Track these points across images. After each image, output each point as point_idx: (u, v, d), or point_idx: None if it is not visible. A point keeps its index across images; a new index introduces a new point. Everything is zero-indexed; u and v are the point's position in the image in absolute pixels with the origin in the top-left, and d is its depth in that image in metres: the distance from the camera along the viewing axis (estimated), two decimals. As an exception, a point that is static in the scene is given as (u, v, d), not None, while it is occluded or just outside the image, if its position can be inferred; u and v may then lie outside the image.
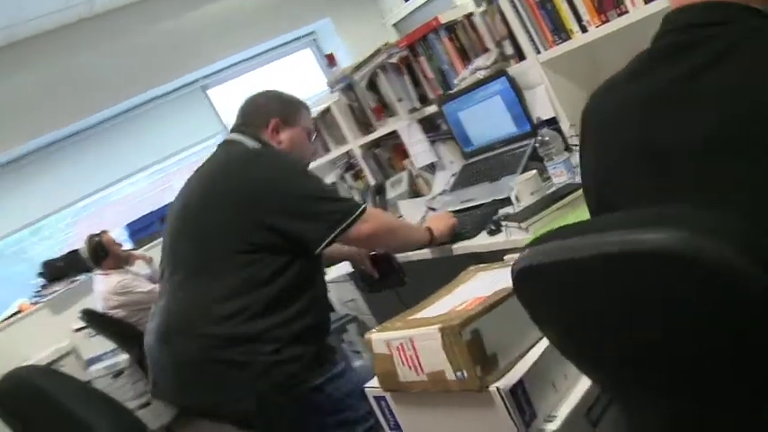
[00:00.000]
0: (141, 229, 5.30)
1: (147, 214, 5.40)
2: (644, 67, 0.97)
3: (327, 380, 1.91)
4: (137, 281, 4.44)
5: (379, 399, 1.63)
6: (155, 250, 4.72)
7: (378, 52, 2.96)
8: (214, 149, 2.12)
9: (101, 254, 4.42)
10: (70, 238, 5.54)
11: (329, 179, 3.97)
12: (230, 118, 5.82)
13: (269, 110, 2.12)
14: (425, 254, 2.31)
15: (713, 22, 0.90)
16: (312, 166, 3.88)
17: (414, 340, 1.45)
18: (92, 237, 4.46)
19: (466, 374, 1.36)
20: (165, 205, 3.84)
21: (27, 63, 4.97)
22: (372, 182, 3.46)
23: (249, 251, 1.87)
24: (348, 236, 1.93)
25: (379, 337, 1.55)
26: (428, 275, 2.02)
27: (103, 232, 4.51)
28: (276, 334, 1.86)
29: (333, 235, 1.89)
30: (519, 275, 0.96)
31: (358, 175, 3.73)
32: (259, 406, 1.89)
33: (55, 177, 5.42)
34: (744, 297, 0.70)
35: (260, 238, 1.87)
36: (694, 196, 0.88)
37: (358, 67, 3.14)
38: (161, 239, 2.10)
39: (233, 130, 2.13)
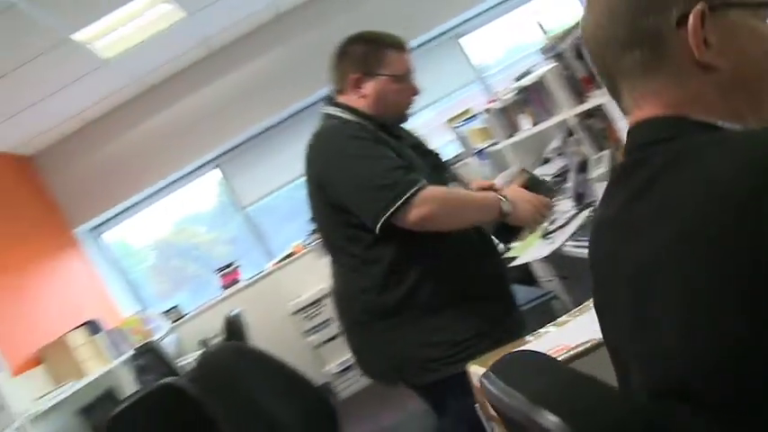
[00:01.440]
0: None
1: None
2: (605, 192, 0.97)
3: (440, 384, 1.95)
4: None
5: (488, 418, 1.73)
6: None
7: (578, 24, 2.84)
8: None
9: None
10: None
11: (554, 144, 3.90)
12: (483, 66, 5.96)
13: (346, 65, 2.05)
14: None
15: (659, 140, 0.87)
16: (537, 129, 3.87)
17: (490, 383, 1.50)
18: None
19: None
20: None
21: (294, 32, 5.55)
22: (588, 153, 3.33)
23: (346, 235, 1.97)
24: (399, 222, 1.84)
25: (474, 370, 1.64)
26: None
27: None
28: (405, 307, 1.94)
29: (382, 220, 1.83)
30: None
31: (581, 141, 3.61)
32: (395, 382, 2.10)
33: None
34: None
35: (344, 219, 1.93)
36: (625, 323, 0.90)
37: (563, 36, 3.03)
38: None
39: (326, 97, 2.14)
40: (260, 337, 5.11)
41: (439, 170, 2.14)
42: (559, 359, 1.45)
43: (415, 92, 2.11)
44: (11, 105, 4.62)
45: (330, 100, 2.10)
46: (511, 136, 4.21)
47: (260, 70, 5.62)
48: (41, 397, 3.94)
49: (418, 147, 2.15)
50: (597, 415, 0.76)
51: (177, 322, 5.70)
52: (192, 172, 5.99)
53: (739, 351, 0.73)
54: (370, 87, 2.02)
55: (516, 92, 3.95)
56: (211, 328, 5.33)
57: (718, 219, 0.73)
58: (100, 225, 6.06)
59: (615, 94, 0.98)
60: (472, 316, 1.96)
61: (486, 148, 4.82)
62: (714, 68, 0.87)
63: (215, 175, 6.09)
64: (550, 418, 0.76)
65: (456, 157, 5.18)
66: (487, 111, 4.50)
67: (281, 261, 5.84)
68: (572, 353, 1.45)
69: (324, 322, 5.42)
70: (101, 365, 4.57)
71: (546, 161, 4.17)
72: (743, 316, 0.72)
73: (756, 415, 0.73)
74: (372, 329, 2.03)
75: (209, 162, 5.96)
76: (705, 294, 0.74)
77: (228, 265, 5.94)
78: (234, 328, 4.76)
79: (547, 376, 0.91)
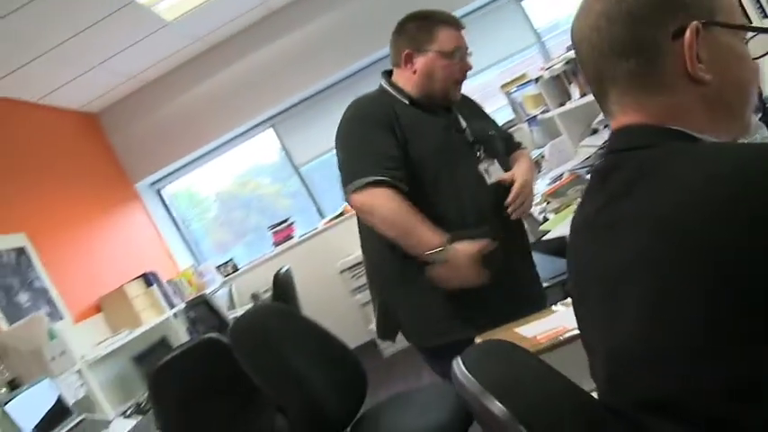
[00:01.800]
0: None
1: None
2: (585, 193, 1.06)
3: (433, 352, 2.13)
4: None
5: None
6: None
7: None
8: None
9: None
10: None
11: (602, 115, 3.89)
12: (544, 29, 5.90)
13: (400, 42, 2.17)
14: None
15: (639, 146, 0.94)
16: (585, 100, 3.88)
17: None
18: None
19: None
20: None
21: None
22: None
23: None
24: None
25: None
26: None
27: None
28: (387, 276, 2.16)
29: (345, 192, 2.04)
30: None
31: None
32: None
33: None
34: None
35: None
36: (598, 318, 0.99)
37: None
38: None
39: (385, 71, 2.29)
40: (309, 294, 5.33)
41: (470, 150, 2.17)
42: (558, 340, 1.55)
43: (465, 68, 2.17)
44: (78, 66, 4.86)
45: (388, 74, 2.24)
46: (562, 105, 4.23)
47: (314, 33, 5.73)
48: (100, 343, 4.22)
49: (450, 127, 2.19)
50: (543, 409, 0.86)
51: (230, 276, 5.96)
52: (246, 131, 6.20)
53: (696, 349, 0.81)
54: (419, 63, 2.13)
55: (566, 61, 3.96)
56: (264, 282, 5.55)
57: (689, 226, 0.81)
58: (160, 180, 6.35)
59: (601, 98, 1.04)
60: (455, 299, 2.04)
61: (537, 115, 4.85)
62: (703, 82, 0.94)
63: (269, 134, 6.27)
64: (498, 406, 0.87)
65: (508, 123, 5.22)
66: (538, 79, 4.52)
67: (332, 220, 6.02)
68: (568, 335, 1.55)
69: (371, 282, 5.56)
70: (156, 315, 4.84)
71: (594, 132, 4.18)
72: (704, 318, 0.80)
73: (712, 408, 0.81)
74: (373, 290, 2.26)
75: (263, 122, 6.15)
76: (674, 294, 0.82)
77: (282, 222, 6.16)
78: (283, 284, 4.95)
79: (509, 367, 1.01)
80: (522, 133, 4.91)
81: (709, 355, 0.80)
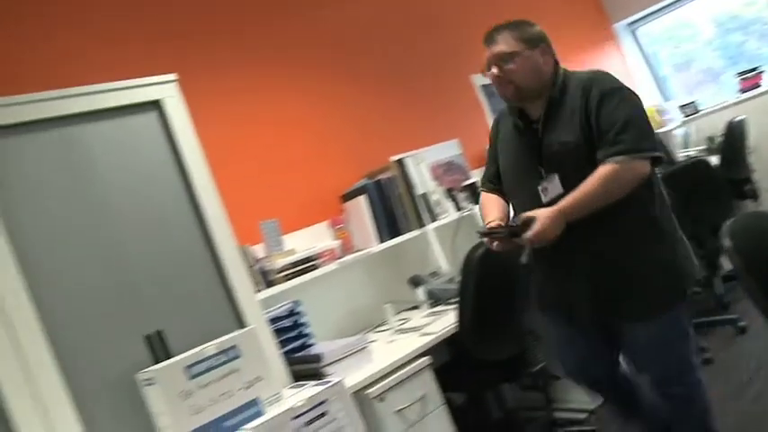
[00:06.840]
0: None
1: None
2: None
3: None
4: None
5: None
6: None
7: None
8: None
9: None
10: None
11: None
12: None
13: None
14: None
15: None
16: None
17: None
18: None
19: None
20: None
21: None
22: None
23: None
24: None
25: None
26: None
27: None
28: None
29: None
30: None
31: None
32: None
33: None
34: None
35: None
36: None
37: None
38: None
39: None
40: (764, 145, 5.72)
41: (535, 169, 2.48)
42: None
43: (493, 76, 2.46)
44: None
45: None
46: None
47: None
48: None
49: (525, 145, 2.57)
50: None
51: (689, 117, 6.58)
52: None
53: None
54: None
55: None
56: (721, 127, 5.82)
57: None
58: (636, 21, 7.10)
59: None
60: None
61: None
62: None
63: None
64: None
65: None
66: None
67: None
68: None
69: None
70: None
71: None
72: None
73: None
74: None
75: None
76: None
77: (752, 70, 6.38)
78: (733, 133, 5.47)
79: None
80: None
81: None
